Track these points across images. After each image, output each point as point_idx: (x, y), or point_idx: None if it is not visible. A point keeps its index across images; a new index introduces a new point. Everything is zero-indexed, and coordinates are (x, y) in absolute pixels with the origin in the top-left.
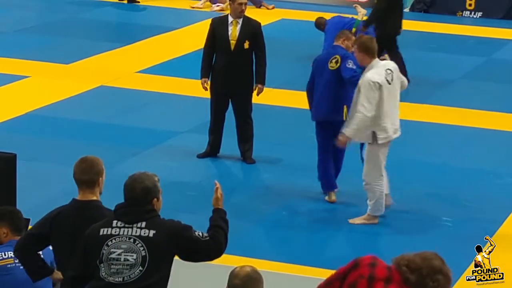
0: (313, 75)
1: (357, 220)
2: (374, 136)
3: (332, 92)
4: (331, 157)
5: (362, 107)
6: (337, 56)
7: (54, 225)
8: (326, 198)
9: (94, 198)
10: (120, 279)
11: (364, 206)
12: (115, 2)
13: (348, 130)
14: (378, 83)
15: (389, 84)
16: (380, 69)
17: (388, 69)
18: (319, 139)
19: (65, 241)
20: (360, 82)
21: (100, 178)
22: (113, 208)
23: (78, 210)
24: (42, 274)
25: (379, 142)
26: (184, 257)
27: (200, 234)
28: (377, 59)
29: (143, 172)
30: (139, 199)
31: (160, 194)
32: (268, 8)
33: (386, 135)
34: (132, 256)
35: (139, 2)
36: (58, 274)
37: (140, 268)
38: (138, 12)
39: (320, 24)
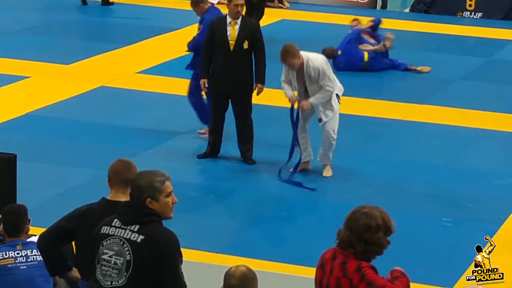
0: None
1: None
2: (337, 97)
3: None
4: None
5: (329, 84)
6: None
7: (80, 221)
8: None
9: (124, 199)
10: (109, 283)
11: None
12: (115, 3)
13: (313, 100)
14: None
15: None
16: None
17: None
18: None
19: (88, 239)
20: (311, 67)
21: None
22: None
23: (105, 209)
24: (61, 269)
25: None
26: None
27: (183, 273)
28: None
29: (149, 170)
30: (134, 198)
31: (160, 195)
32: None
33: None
34: (120, 260)
35: (113, 3)
36: (75, 272)
37: (125, 273)
38: (138, 12)
39: (330, 53)
